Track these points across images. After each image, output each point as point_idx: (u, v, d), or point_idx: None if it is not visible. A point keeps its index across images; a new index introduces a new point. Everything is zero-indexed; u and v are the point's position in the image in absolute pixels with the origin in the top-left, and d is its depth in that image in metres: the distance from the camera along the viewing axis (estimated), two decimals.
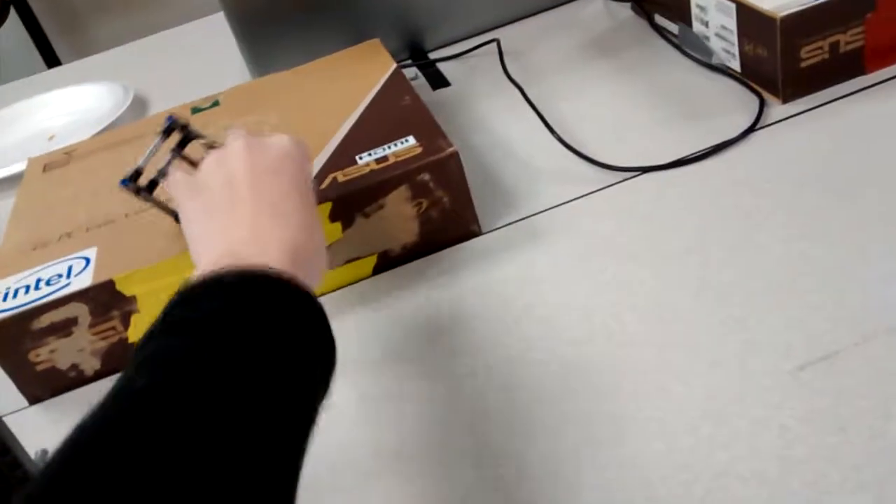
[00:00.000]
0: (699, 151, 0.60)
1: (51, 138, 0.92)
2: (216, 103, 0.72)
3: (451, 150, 0.55)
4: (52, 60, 2.33)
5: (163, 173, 0.51)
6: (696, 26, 0.71)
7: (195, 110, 0.72)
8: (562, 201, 0.59)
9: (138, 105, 0.94)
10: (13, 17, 2.46)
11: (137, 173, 0.52)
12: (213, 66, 0.96)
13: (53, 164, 0.69)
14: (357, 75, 0.69)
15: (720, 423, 0.41)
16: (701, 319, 0.47)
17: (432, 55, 0.85)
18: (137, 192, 0.52)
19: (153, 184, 0.53)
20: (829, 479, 0.37)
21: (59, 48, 2.53)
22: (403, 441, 0.45)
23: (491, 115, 0.72)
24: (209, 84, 0.82)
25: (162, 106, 0.90)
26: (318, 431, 0.34)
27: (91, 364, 0.55)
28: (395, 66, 0.69)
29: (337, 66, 0.73)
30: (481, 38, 0.84)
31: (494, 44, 0.82)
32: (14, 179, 0.82)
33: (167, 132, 0.52)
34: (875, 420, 0.39)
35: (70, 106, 0.98)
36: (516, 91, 0.74)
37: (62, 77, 1.10)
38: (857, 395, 0.41)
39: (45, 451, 0.35)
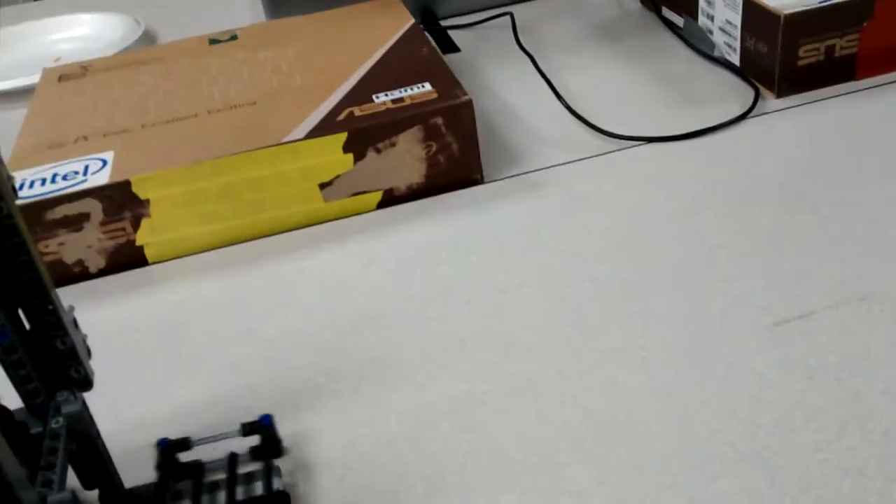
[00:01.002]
0: (696, 129, 0.63)
1: (57, 60, 0.93)
2: (234, 37, 0.74)
3: (465, 98, 0.58)
4: None
5: (209, 468, 0.40)
6: (702, 20, 0.75)
7: (213, 41, 0.73)
8: (562, 161, 0.62)
9: (148, 40, 0.95)
10: None
11: (184, 443, 0.41)
12: (225, 7, 0.98)
13: (69, 75, 0.70)
14: (375, 25, 0.72)
15: (698, 364, 0.44)
16: (687, 274, 0.50)
17: (444, 23, 0.88)
18: (166, 465, 0.40)
19: (190, 470, 0.40)
20: (794, 419, 0.41)
21: None
22: (388, 359, 0.47)
23: (498, 82, 0.75)
24: (222, 24, 0.84)
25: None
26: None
27: (96, 262, 0.56)
28: (412, 20, 0.71)
29: (355, 16, 0.75)
30: (492, 12, 0.87)
31: (504, 18, 0.85)
32: (21, 93, 0.83)
33: (249, 431, 0.41)
34: (840, 373, 0.43)
35: (77, 31, 0.98)
36: (524, 62, 0.77)
37: (63, 6, 1.10)
38: (827, 351, 0.44)
39: (72, 307, 0.37)
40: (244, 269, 0.56)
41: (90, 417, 0.35)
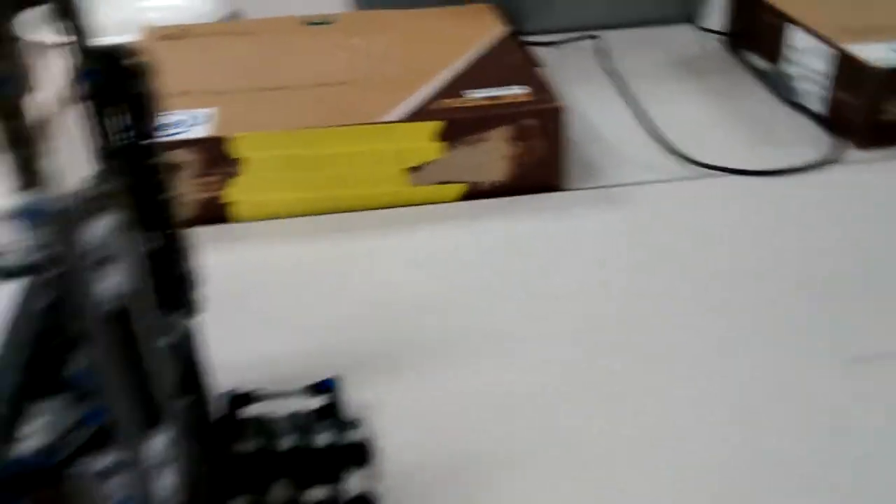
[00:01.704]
0: (776, 168, 0.64)
1: None
2: (328, 22, 0.75)
3: (560, 103, 0.59)
4: None
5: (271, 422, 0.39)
6: (786, 66, 0.76)
7: (308, 23, 0.75)
8: (640, 181, 0.63)
9: (235, 18, 0.97)
10: None
11: (247, 397, 0.40)
12: None
13: (170, 35, 0.72)
14: (468, 28, 0.73)
15: (770, 389, 0.45)
16: (761, 304, 0.51)
17: (528, 38, 0.89)
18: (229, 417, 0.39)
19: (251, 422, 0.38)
20: (871, 452, 0.41)
21: None
22: (458, 342, 0.48)
23: (579, 99, 0.76)
24: (307, 11, 0.86)
25: None
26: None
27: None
28: (506, 27, 0.73)
29: (448, 17, 0.76)
30: (576, 34, 0.89)
31: (586, 41, 0.87)
32: None
33: (316, 390, 0.40)
34: None
35: (164, 1, 1.00)
36: (605, 84, 0.78)
37: None
38: None
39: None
40: (324, 240, 0.57)
41: (198, 343, 0.36)
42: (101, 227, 0.23)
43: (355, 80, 0.64)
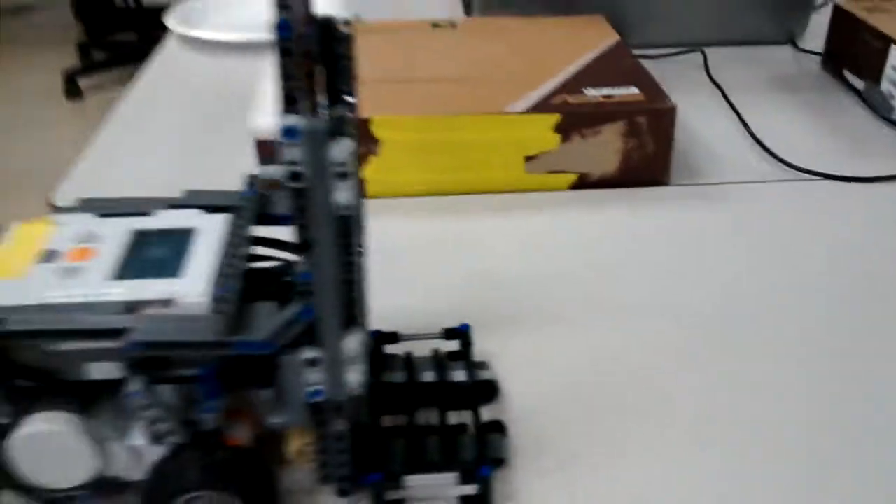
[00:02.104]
0: (870, 175, 0.67)
1: None
2: (453, 25, 0.82)
3: (671, 104, 0.64)
4: None
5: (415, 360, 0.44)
6: (885, 85, 0.79)
7: (434, 25, 0.82)
8: (739, 181, 0.67)
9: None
10: None
11: (392, 336, 0.46)
12: (426, 6, 1.07)
13: None
14: (582, 35, 0.78)
15: (856, 389, 0.48)
16: (851, 302, 0.54)
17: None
18: (376, 353, 0.45)
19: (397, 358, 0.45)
20: None
21: None
22: (566, 310, 0.53)
23: (681, 105, 0.81)
24: (421, 15, 0.92)
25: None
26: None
27: None
28: (618, 36, 0.78)
29: (563, 25, 0.82)
30: (678, 49, 0.94)
31: (688, 56, 0.91)
32: (247, 47, 0.92)
33: (453, 333, 0.47)
34: None
35: None
36: (706, 95, 0.82)
37: None
38: None
39: None
40: (446, 219, 0.62)
41: (365, 278, 0.42)
42: (339, 148, 0.29)
43: (481, 76, 0.70)
